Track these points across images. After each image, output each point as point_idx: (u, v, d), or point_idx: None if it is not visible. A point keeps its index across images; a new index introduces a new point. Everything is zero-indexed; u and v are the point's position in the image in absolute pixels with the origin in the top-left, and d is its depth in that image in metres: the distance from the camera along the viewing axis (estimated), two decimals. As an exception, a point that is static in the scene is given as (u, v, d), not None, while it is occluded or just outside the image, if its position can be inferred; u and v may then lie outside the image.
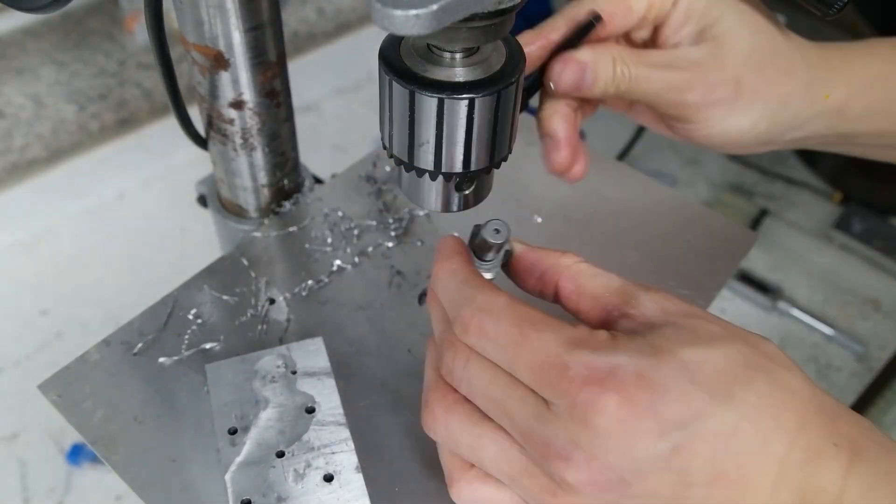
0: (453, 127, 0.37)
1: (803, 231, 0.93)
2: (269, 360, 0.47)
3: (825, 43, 0.49)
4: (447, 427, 0.36)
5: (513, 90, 0.38)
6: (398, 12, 0.27)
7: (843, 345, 0.81)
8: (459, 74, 0.37)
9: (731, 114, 0.45)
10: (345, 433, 0.44)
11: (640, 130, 0.99)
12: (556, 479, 0.33)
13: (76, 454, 0.69)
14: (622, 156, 1.00)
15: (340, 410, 0.45)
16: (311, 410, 0.45)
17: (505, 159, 0.41)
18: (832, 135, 0.49)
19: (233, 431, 0.44)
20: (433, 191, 0.42)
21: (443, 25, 0.28)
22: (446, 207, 0.43)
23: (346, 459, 0.43)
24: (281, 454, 0.43)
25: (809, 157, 1.03)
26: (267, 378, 0.46)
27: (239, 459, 0.42)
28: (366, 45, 1.12)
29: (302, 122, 0.58)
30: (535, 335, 0.34)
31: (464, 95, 0.36)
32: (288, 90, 0.54)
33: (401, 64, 0.37)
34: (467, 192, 0.43)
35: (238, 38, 0.48)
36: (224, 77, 0.50)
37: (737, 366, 0.34)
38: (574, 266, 0.39)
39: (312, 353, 0.48)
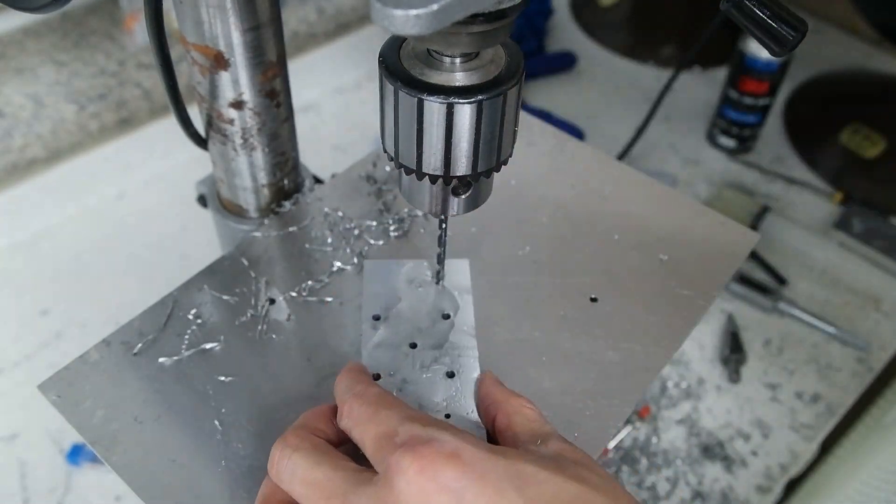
0: (452, 131, 0.37)
1: (804, 231, 0.93)
2: (420, 267, 0.54)
3: None
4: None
5: (513, 94, 0.38)
6: (398, 12, 0.27)
7: (844, 345, 0.81)
8: (459, 79, 0.37)
9: None
10: (473, 342, 0.49)
11: (641, 130, 0.99)
12: None
13: (76, 454, 0.69)
14: (622, 156, 1.00)
15: (473, 324, 0.50)
16: (447, 317, 0.51)
17: (505, 163, 0.41)
18: None
19: (377, 318, 0.50)
20: (431, 194, 0.43)
21: (443, 25, 0.28)
22: (444, 211, 0.43)
23: (469, 364, 0.48)
24: (413, 346, 0.49)
25: (810, 157, 1.03)
26: (415, 282, 0.52)
27: (376, 341, 0.49)
28: (366, 45, 1.12)
29: (302, 122, 0.58)
30: (384, 412, 0.36)
31: (464, 100, 0.36)
32: (288, 90, 0.54)
33: (400, 68, 0.37)
34: (465, 195, 0.43)
35: (238, 38, 0.48)
36: (224, 77, 0.50)
37: (577, 500, 0.33)
38: (517, 405, 0.41)
39: (458, 271, 0.54)
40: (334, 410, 0.40)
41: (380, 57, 0.38)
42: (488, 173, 0.41)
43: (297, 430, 0.39)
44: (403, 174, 0.42)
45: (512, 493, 0.32)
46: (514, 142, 0.41)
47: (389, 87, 0.37)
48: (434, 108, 0.36)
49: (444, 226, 0.49)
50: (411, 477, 0.32)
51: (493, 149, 0.39)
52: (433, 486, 0.32)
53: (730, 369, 0.79)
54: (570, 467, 0.34)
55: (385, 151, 0.41)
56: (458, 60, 0.36)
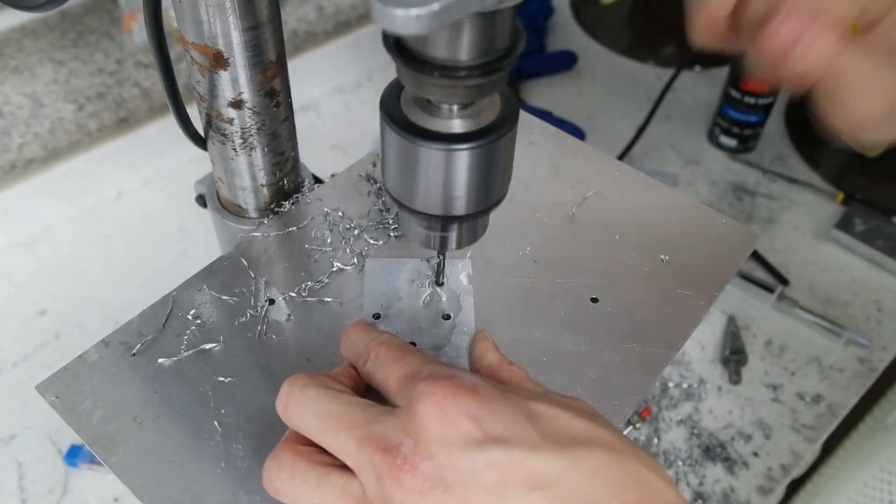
0: (451, 175, 0.39)
1: (805, 231, 0.93)
2: (421, 267, 0.54)
3: None
4: (293, 467, 0.37)
5: (507, 139, 0.39)
6: (399, 11, 0.27)
7: (846, 346, 0.81)
8: (457, 125, 0.37)
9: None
10: None
11: (641, 130, 0.99)
12: (390, 478, 0.34)
13: (74, 455, 0.69)
14: (622, 155, 0.99)
15: (473, 325, 0.50)
16: (447, 317, 0.51)
17: (499, 202, 0.42)
18: None
19: (377, 317, 0.51)
20: (430, 231, 0.44)
21: (443, 25, 0.28)
22: (443, 247, 0.44)
23: (467, 365, 0.47)
24: (413, 344, 0.48)
25: (811, 157, 1.02)
26: (416, 281, 0.53)
27: None
28: (365, 44, 1.12)
29: (301, 122, 0.58)
30: (410, 355, 0.39)
31: (461, 146, 0.37)
32: (287, 89, 0.54)
33: (400, 113, 0.38)
34: (464, 232, 0.44)
35: (237, 38, 0.48)
36: (223, 76, 0.49)
37: (588, 433, 0.35)
38: (510, 374, 0.43)
39: (459, 272, 0.53)
40: (336, 373, 0.42)
41: (380, 103, 0.39)
42: (484, 213, 0.41)
43: (306, 373, 0.40)
44: (403, 212, 0.43)
45: (526, 423, 0.34)
46: (509, 182, 0.42)
47: (389, 132, 0.38)
48: (432, 154, 0.38)
49: (442, 259, 0.51)
50: (436, 401, 0.34)
51: (489, 190, 0.40)
52: (456, 412, 0.34)
53: (731, 370, 0.78)
54: (575, 409, 0.37)
55: (385, 190, 0.42)
56: (455, 108, 0.37)
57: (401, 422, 0.35)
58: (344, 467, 0.36)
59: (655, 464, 0.36)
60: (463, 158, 0.38)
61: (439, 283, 0.53)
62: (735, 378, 0.78)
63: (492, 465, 0.33)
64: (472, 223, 0.44)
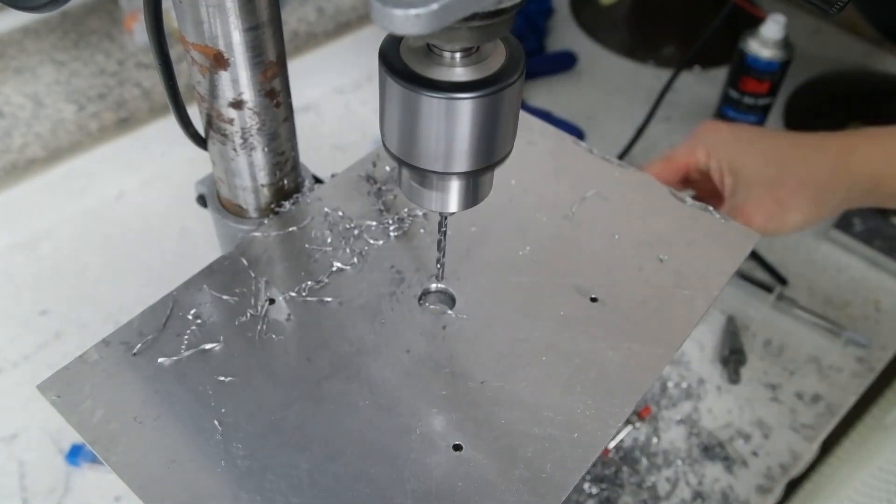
0: (453, 127, 0.37)
1: (804, 231, 0.93)
2: None
3: (851, 131, 0.68)
4: None
5: (513, 90, 0.38)
6: (398, 12, 0.27)
7: (844, 345, 0.81)
8: (460, 74, 0.37)
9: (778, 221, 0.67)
10: None
11: (641, 130, 0.99)
12: None
13: (75, 454, 0.69)
14: (622, 155, 0.99)
15: None
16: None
17: (505, 159, 0.41)
18: (871, 199, 0.68)
19: None
20: (432, 190, 0.43)
21: (443, 25, 0.28)
22: (445, 207, 0.43)
23: None
24: None
25: (810, 157, 1.02)
26: None
27: None
28: (366, 44, 1.12)
29: (301, 122, 0.58)
30: None
31: (464, 95, 0.36)
32: (288, 90, 0.54)
33: (401, 64, 0.37)
34: (466, 191, 0.43)
35: (237, 38, 0.48)
36: (223, 77, 0.50)
37: None
38: None
39: None
40: None
41: (380, 52, 0.38)
42: (488, 169, 0.41)
43: None
44: (404, 171, 0.42)
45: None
46: (514, 138, 0.41)
47: (389, 82, 0.37)
48: (433, 104, 0.36)
49: (444, 223, 0.49)
50: None
51: (493, 145, 0.39)
52: None
53: (730, 369, 0.78)
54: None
55: (385, 147, 0.41)
56: (458, 56, 0.36)
57: None
58: None
59: None
60: (466, 108, 0.36)
61: (441, 279, 0.52)
62: (734, 378, 0.78)
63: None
64: (478, 180, 0.42)
